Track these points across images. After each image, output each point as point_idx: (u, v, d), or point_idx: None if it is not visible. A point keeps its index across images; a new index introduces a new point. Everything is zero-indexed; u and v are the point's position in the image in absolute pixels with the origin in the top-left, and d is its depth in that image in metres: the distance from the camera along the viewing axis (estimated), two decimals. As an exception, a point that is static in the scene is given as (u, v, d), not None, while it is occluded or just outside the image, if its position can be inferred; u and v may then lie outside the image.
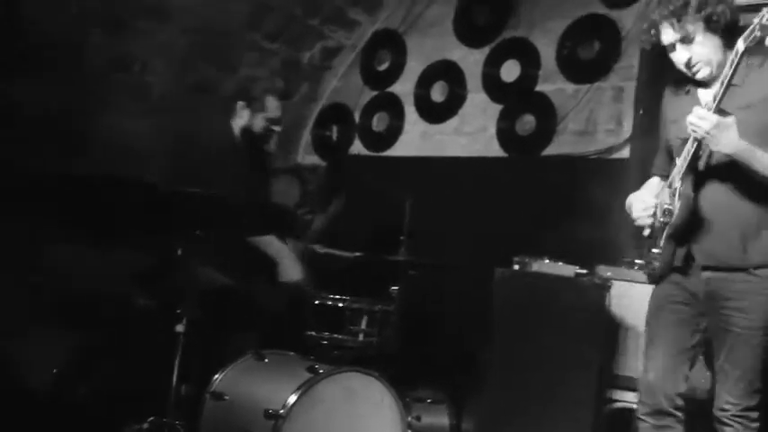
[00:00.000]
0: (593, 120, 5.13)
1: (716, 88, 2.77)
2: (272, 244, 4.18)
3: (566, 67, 5.26)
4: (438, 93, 5.92)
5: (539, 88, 5.37)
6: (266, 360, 3.53)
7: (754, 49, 2.91)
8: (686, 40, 2.90)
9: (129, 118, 5.28)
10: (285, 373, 3.36)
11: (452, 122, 5.82)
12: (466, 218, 5.34)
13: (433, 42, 5.97)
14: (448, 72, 5.86)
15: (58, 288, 4.46)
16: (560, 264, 4.19)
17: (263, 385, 3.37)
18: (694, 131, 2.78)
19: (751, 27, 2.64)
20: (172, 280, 3.76)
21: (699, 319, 3.00)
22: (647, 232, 3.08)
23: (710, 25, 2.86)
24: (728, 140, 2.75)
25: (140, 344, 4.26)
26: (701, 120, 2.74)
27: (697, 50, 2.90)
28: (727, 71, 2.71)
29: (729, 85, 2.73)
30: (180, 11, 5.21)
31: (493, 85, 5.60)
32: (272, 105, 4.32)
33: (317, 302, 3.97)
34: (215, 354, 3.70)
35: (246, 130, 4.29)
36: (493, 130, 5.55)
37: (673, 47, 2.95)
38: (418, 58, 6.04)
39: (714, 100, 2.75)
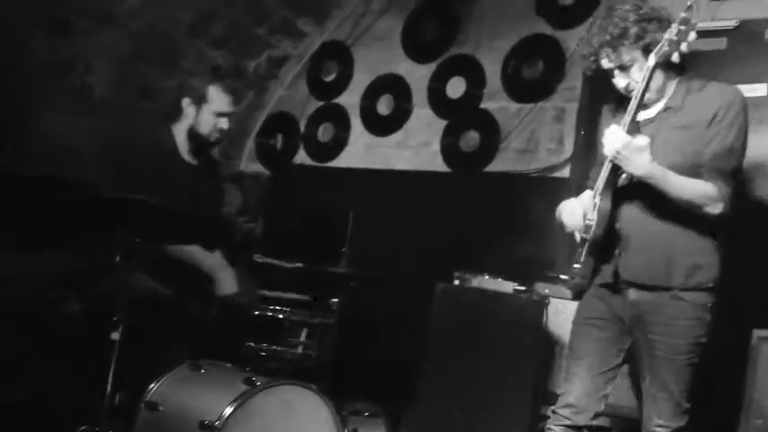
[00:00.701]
0: (536, 139, 5.19)
1: (631, 103, 2.82)
2: (204, 256, 4.05)
3: (510, 86, 5.31)
4: (384, 106, 5.94)
5: (483, 105, 5.42)
6: (203, 371, 3.49)
7: (695, 74, 3.01)
8: (624, 67, 2.93)
9: (69, 119, 5.20)
10: (222, 385, 3.33)
11: (397, 136, 5.84)
12: (408, 231, 5.36)
13: (381, 55, 5.99)
14: (394, 86, 5.88)
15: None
16: (500, 280, 4.23)
17: (198, 396, 3.32)
18: (606, 149, 2.82)
19: (661, 42, 2.71)
20: (107, 286, 3.69)
21: (624, 337, 3.02)
22: (577, 237, 3.09)
23: (648, 54, 2.86)
24: (639, 162, 2.78)
25: (73, 350, 4.17)
26: (612, 138, 2.78)
27: (635, 77, 2.91)
28: (641, 85, 2.77)
29: (642, 99, 2.79)
30: (125, 14, 5.16)
31: (438, 101, 5.64)
32: (218, 97, 4.06)
33: (256, 313, 3.93)
34: (150, 363, 3.64)
35: (193, 130, 4.08)
36: (437, 145, 5.58)
37: (612, 72, 2.98)
38: (365, 70, 6.05)
39: (629, 115, 2.80)
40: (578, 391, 3.04)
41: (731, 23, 4.23)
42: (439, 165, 5.56)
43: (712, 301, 2.92)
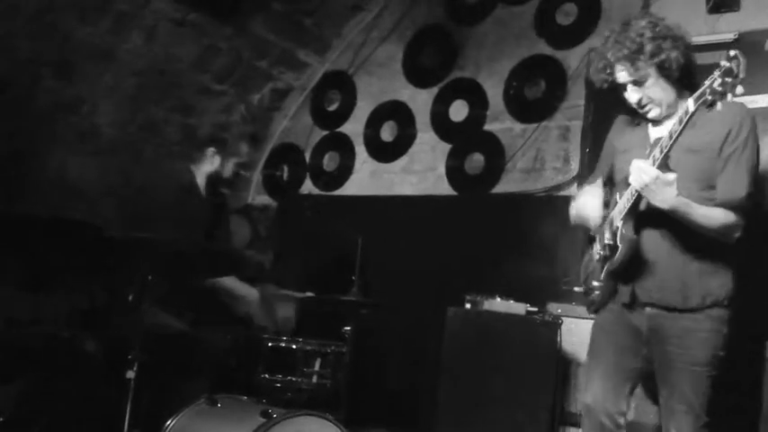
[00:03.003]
0: (541, 158, 5.20)
1: (664, 139, 2.80)
2: (238, 288, 4.18)
3: (513, 107, 5.34)
4: (387, 132, 5.98)
5: (487, 127, 5.44)
6: (219, 405, 3.48)
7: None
8: (638, 82, 2.96)
9: (78, 159, 5.24)
10: (238, 419, 3.32)
11: (401, 161, 5.87)
12: (417, 256, 5.36)
13: (382, 83, 6.04)
14: (397, 112, 5.92)
15: (3, 333, 4.37)
16: (511, 302, 4.23)
17: (216, 431, 3.32)
18: (634, 181, 2.82)
19: (702, 89, 2.67)
20: (121, 324, 3.70)
21: (640, 345, 3.03)
22: (596, 253, 3.11)
23: (663, 70, 2.92)
24: (665, 196, 2.79)
25: (89, 388, 4.18)
26: (642, 172, 2.78)
27: (648, 93, 2.97)
28: (677, 128, 2.75)
29: (677, 140, 2.77)
30: (127, 53, 5.21)
31: (442, 125, 5.67)
32: (244, 151, 4.33)
33: (270, 344, 3.94)
34: (166, 399, 3.64)
35: (214, 176, 4.27)
36: (442, 168, 5.60)
37: (625, 87, 3.01)
38: (368, 98, 6.10)
39: (661, 152, 2.79)
40: (597, 395, 3.06)
41: (731, 36, 4.26)
42: (445, 188, 5.58)
43: (729, 314, 2.94)
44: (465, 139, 5.55)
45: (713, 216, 2.85)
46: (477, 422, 4.06)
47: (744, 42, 4.18)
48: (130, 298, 3.38)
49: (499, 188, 5.32)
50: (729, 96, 2.65)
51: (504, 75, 5.38)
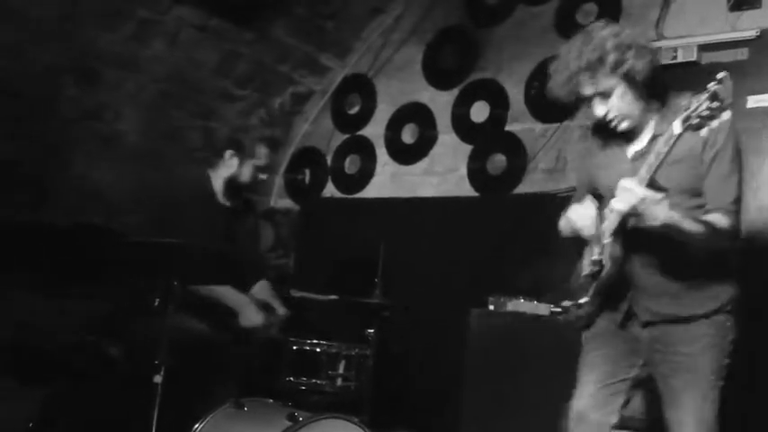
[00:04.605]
0: (563, 158, 5.19)
1: (651, 158, 2.66)
2: (226, 293, 4.14)
3: (534, 107, 5.33)
4: (408, 134, 5.98)
5: (508, 128, 5.43)
6: (246, 408, 3.50)
7: (674, 92, 2.86)
8: (604, 94, 2.81)
9: (101, 166, 5.28)
10: (265, 422, 3.34)
11: (423, 163, 5.87)
12: (439, 258, 5.36)
13: (403, 85, 6.04)
14: (418, 114, 5.92)
15: (28, 339, 4.41)
16: (535, 302, 4.22)
17: (243, 434, 3.35)
18: (620, 202, 2.67)
19: (688, 112, 2.54)
20: (146, 329, 3.73)
21: (635, 355, 2.95)
22: (585, 269, 3.00)
23: (628, 80, 2.76)
24: (656, 214, 2.64)
25: (114, 394, 4.21)
26: (629, 193, 2.64)
27: (615, 105, 2.81)
28: (663, 149, 2.61)
29: (662, 162, 2.63)
30: (149, 60, 5.24)
31: (463, 126, 5.67)
32: (262, 153, 4.31)
33: (294, 348, 3.96)
34: (193, 403, 3.66)
35: (233, 180, 4.27)
36: (464, 170, 5.60)
37: (590, 100, 2.85)
38: (388, 100, 6.11)
39: (647, 172, 2.65)
40: (587, 401, 2.97)
41: (752, 33, 4.23)
42: (466, 190, 5.57)
43: (732, 320, 2.84)
44: (486, 140, 5.55)
45: (706, 224, 2.72)
46: (502, 424, 4.05)
47: (765, 40, 4.15)
48: (156, 303, 3.41)
49: (521, 189, 5.31)
50: (716, 122, 2.52)
51: (525, 75, 5.37)
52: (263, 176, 4.36)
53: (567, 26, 5.22)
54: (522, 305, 4.23)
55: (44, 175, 5.00)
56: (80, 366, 4.39)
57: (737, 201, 2.79)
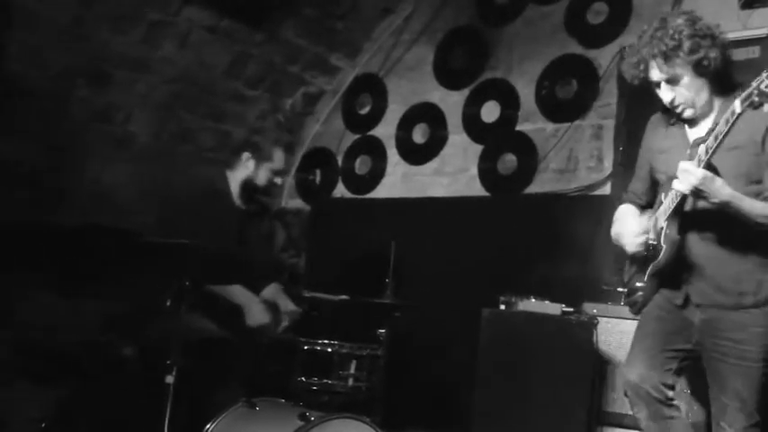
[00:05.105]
0: (574, 157, 5.18)
1: (709, 141, 2.71)
2: (237, 293, 4.16)
3: (545, 107, 5.33)
4: (419, 134, 5.98)
5: (519, 128, 5.44)
6: (257, 408, 3.51)
7: (740, 87, 2.82)
8: (672, 81, 2.89)
9: (113, 167, 5.30)
10: (277, 422, 3.34)
11: (433, 163, 5.88)
12: (450, 257, 5.36)
13: (414, 85, 6.05)
14: (429, 114, 5.93)
15: (42, 339, 4.43)
16: (546, 302, 4.21)
17: (255, 434, 3.35)
18: (681, 183, 2.74)
19: (749, 90, 2.57)
20: (159, 329, 3.74)
21: (691, 333, 2.97)
22: (637, 251, 3.08)
23: (699, 69, 2.84)
24: (717, 192, 2.70)
25: (127, 394, 4.22)
26: (689, 174, 2.70)
27: (682, 92, 2.89)
28: (722, 128, 2.66)
29: (722, 142, 2.68)
30: (160, 61, 5.26)
31: (474, 126, 5.67)
32: (279, 157, 4.32)
33: (305, 348, 3.97)
34: (205, 403, 3.67)
35: (249, 182, 4.28)
36: (474, 170, 5.60)
37: (658, 85, 2.94)
38: (399, 101, 6.11)
39: (706, 152, 2.71)
40: (640, 371, 3.01)
41: (764, 32, 4.22)
42: (477, 189, 5.58)
43: None
44: (497, 139, 5.55)
45: (764, 209, 2.76)
46: (514, 423, 4.04)
47: (777, 38, 4.15)
48: (168, 303, 3.42)
49: (532, 188, 5.31)
50: None
51: (536, 75, 5.37)
52: (278, 180, 4.37)
53: (577, 25, 5.23)
54: (532, 305, 4.22)
55: (57, 177, 5.02)
56: (93, 367, 4.41)
57: None
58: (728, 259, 2.87)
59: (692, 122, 2.98)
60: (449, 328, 5.04)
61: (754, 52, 4.16)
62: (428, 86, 5.95)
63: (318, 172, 6.47)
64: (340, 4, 5.80)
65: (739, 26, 4.35)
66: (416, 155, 5.98)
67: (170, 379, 3.32)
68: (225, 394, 3.71)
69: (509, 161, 5.47)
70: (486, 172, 5.55)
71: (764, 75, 2.52)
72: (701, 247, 2.91)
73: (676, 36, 2.82)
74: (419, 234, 5.38)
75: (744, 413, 2.84)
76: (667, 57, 2.83)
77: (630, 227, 3.11)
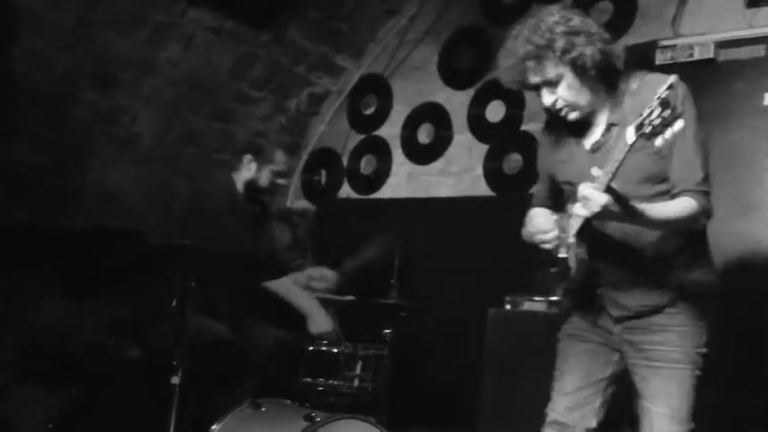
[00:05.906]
0: (579, 157, 5.16)
1: (608, 165, 2.44)
2: (299, 295, 4.19)
3: (550, 106, 5.32)
4: (424, 134, 5.98)
5: (524, 127, 5.42)
6: (263, 409, 3.52)
7: (627, 72, 2.72)
8: (551, 83, 2.65)
9: (118, 169, 5.31)
10: (283, 422, 3.36)
11: (438, 163, 5.87)
12: (455, 258, 5.35)
13: (419, 85, 6.04)
14: (434, 114, 5.93)
15: (48, 342, 4.44)
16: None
17: (261, 435, 3.36)
18: (583, 209, 2.48)
19: (640, 120, 2.35)
20: (164, 331, 3.75)
21: (611, 351, 2.85)
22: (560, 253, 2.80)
23: (577, 69, 2.61)
24: (623, 212, 2.48)
25: (134, 396, 4.23)
26: (590, 200, 2.44)
27: (563, 94, 2.66)
28: (618, 156, 2.42)
29: (618, 169, 2.42)
30: (165, 63, 5.27)
31: (479, 126, 5.66)
32: (280, 158, 4.39)
33: (311, 349, 3.98)
34: (210, 404, 3.68)
35: (251, 184, 4.33)
36: (480, 169, 5.59)
37: (537, 88, 2.70)
38: (404, 101, 6.11)
39: (606, 175, 2.43)
40: (563, 406, 2.89)
41: (768, 30, 4.20)
42: (483, 189, 5.57)
43: (709, 306, 2.74)
44: (502, 139, 5.54)
45: (674, 208, 2.59)
46: (520, 423, 4.03)
47: (784, 36, 4.13)
48: (173, 304, 3.43)
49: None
50: (669, 131, 2.32)
51: (541, 74, 5.35)
52: (281, 181, 4.44)
53: (582, 25, 5.22)
54: (538, 304, 4.21)
55: (62, 179, 5.03)
56: (99, 368, 4.42)
57: (706, 180, 2.65)
58: (643, 266, 2.72)
59: (584, 126, 2.78)
60: (454, 329, 5.04)
61: (759, 51, 4.14)
62: (433, 86, 5.94)
63: (324, 172, 6.48)
64: (344, 5, 5.81)
65: (745, 25, 4.34)
66: (421, 155, 5.98)
67: (176, 380, 3.33)
68: (230, 395, 3.72)
69: (514, 161, 5.46)
70: (492, 172, 5.55)
71: (654, 103, 2.33)
72: (614, 258, 2.75)
73: (547, 35, 2.58)
74: (425, 234, 5.37)
75: (674, 421, 2.69)
76: (538, 58, 2.60)
77: (543, 225, 2.80)
